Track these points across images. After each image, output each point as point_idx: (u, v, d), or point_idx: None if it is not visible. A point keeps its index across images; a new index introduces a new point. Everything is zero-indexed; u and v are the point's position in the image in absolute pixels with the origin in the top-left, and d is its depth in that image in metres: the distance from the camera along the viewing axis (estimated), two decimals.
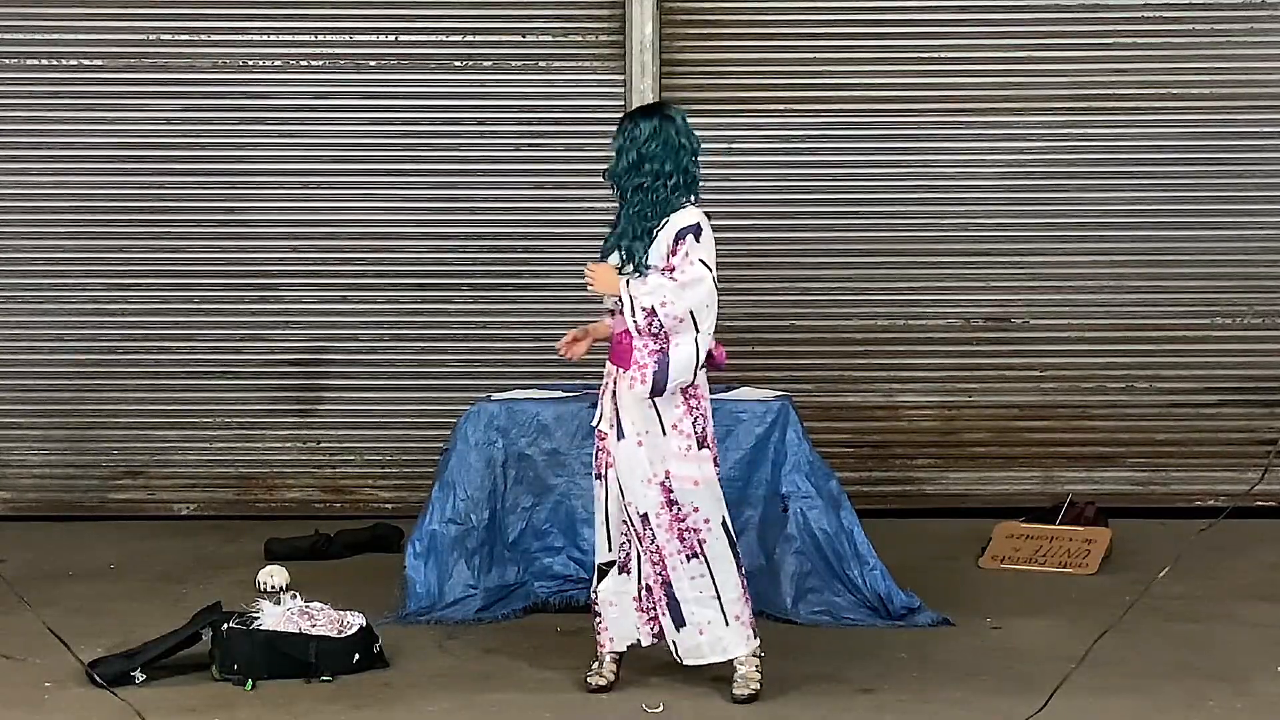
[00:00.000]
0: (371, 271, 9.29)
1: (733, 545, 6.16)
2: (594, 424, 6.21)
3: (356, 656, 6.41)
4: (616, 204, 6.19)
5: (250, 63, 9.23)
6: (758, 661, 6.16)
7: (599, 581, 6.25)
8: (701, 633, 6.11)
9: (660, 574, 6.10)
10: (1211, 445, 9.31)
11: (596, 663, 6.27)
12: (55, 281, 9.28)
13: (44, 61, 9.21)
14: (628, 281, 6.00)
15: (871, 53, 9.21)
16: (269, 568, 7.82)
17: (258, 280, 9.29)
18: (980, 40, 9.20)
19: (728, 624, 6.12)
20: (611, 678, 6.24)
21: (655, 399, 6.02)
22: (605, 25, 9.19)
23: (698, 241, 5.98)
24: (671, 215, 6.02)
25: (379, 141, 9.24)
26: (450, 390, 9.17)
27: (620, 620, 6.21)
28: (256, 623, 6.38)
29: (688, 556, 6.08)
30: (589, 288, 6.11)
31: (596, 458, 6.21)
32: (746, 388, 7.66)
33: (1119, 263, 9.27)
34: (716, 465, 6.17)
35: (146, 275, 9.28)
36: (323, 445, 9.35)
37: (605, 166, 6.19)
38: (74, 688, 6.23)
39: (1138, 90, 9.20)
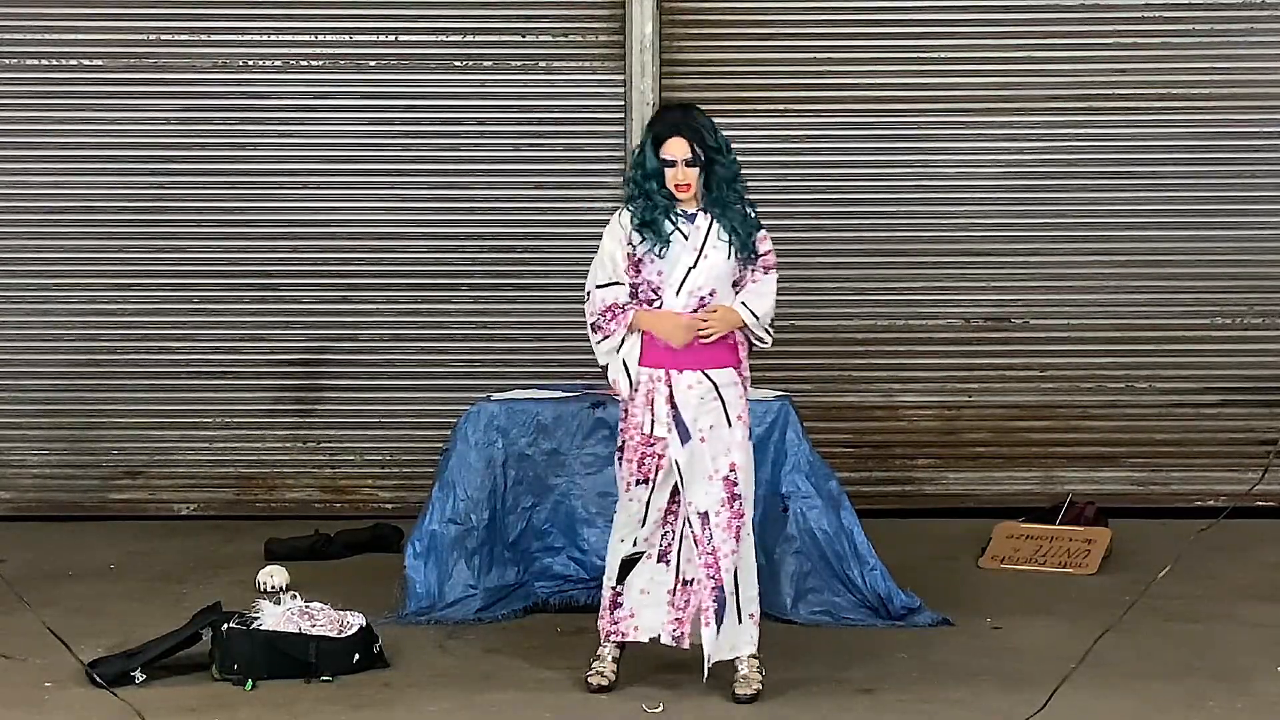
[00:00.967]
0: (371, 271, 9.29)
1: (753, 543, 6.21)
2: (646, 431, 6.10)
3: (356, 656, 6.41)
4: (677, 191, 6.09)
5: (250, 63, 9.23)
6: (758, 661, 6.17)
7: (626, 573, 6.19)
8: (719, 631, 6.11)
9: (713, 577, 6.08)
10: (1211, 445, 9.31)
11: (597, 661, 6.25)
12: (55, 281, 9.27)
13: (44, 61, 9.20)
14: (750, 311, 6.13)
15: (871, 53, 9.21)
16: (269, 568, 7.82)
17: (258, 280, 9.29)
18: (980, 40, 9.19)
19: (740, 621, 6.13)
20: (612, 678, 6.23)
21: (722, 393, 6.08)
22: (605, 25, 9.18)
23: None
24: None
25: (379, 141, 9.24)
26: (450, 390, 9.16)
27: (653, 610, 6.17)
28: (256, 623, 6.37)
29: (731, 551, 6.10)
30: (710, 337, 6.09)
31: (643, 463, 6.12)
32: None
33: (1119, 263, 9.27)
34: None
35: (146, 275, 9.27)
36: (323, 445, 9.35)
37: (693, 155, 6.04)
38: (74, 688, 6.22)
39: (1138, 90, 9.20)
